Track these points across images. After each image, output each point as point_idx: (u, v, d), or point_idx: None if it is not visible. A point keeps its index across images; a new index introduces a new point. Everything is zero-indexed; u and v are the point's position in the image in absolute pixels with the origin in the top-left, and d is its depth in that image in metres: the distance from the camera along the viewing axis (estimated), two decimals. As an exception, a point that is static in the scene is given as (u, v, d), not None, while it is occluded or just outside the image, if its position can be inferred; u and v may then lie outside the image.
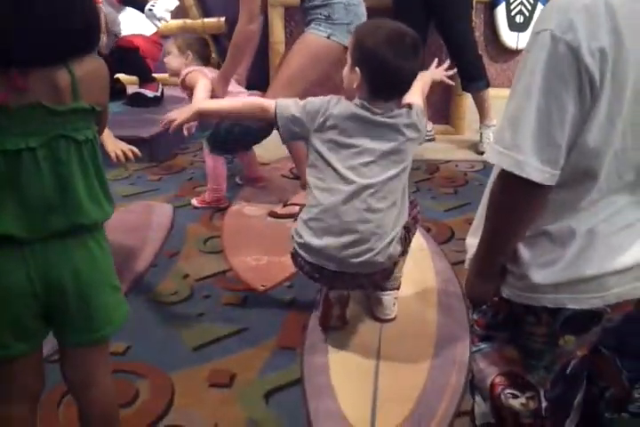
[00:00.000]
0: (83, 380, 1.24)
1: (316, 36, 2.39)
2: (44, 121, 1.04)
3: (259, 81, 3.06)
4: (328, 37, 2.37)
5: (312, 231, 1.68)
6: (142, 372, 1.71)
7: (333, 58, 2.39)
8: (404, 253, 1.85)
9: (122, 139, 1.96)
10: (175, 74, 2.74)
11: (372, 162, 1.64)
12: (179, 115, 1.83)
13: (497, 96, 3.28)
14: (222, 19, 4.27)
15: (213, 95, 2.54)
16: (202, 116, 1.91)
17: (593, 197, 0.99)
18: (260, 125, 2.31)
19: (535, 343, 1.09)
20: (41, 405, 1.27)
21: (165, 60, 2.81)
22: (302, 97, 1.73)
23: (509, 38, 4.26)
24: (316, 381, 1.69)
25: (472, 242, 1.12)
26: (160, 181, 3.15)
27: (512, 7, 4.21)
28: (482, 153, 3.22)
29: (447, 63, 2.16)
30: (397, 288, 1.96)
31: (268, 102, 1.73)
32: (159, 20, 3.95)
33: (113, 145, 1.90)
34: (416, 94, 1.80)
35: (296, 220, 1.77)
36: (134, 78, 4.05)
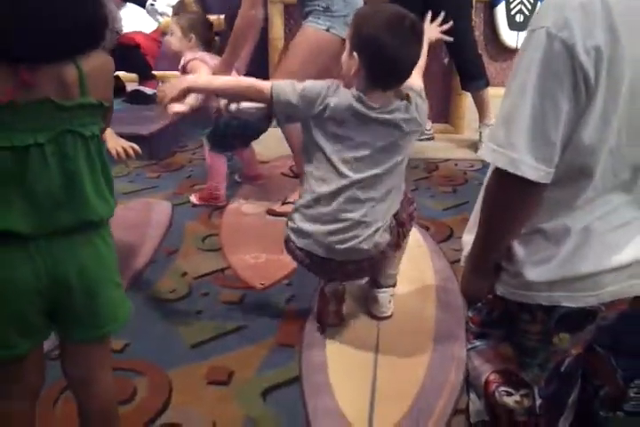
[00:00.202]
0: (84, 376, 1.24)
1: (314, 29, 2.38)
2: (51, 116, 1.04)
3: (258, 76, 3.05)
4: (327, 30, 2.35)
5: (303, 217, 1.69)
6: (140, 369, 1.71)
7: (333, 51, 2.37)
8: (398, 248, 1.85)
9: (121, 136, 1.96)
10: (175, 55, 2.71)
11: (367, 156, 1.63)
12: (170, 90, 1.73)
13: (496, 95, 3.24)
14: (222, 16, 4.27)
15: None
16: (193, 92, 1.79)
17: (588, 196, 0.99)
18: (259, 119, 2.29)
19: (530, 341, 1.09)
20: (38, 401, 1.27)
21: (166, 39, 2.77)
22: None
23: (509, 37, 4.26)
24: (314, 378, 1.69)
25: (468, 239, 1.12)
26: (159, 179, 3.15)
27: (512, 6, 4.22)
28: (481, 152, 3.21)
29: (441, 16, 2.11)
30: (393, 286, 1.96)
31: (264, 84, 1.67)
32: (161, 15, 3.95)
33: (114, 142, 1.90)
34: (414, 72, 1.70)
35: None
36: (133, 76, 4.06)
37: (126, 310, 1.23)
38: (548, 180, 0.94)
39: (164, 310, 2.03)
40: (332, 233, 1.66)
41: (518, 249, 1.03)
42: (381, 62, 1.56)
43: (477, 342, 1.18)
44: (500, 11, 4.21)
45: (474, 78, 3.37)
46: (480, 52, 3.47)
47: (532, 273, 1.02)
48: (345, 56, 1.62)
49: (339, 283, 1.89)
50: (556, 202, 1.00)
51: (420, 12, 3.15)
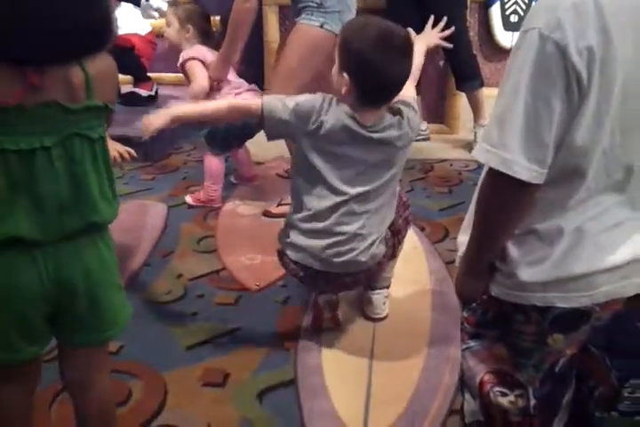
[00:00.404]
0: (83, 380, 1.23)
1: (308, 27, 2.37)
2: (58, 119, 1.03)
3: (255, 78, 3.05)
4: (321, 26, 2.34)
5: (298, 232, 1.68)
6: (135, 371, 1.71)
7: (328, 48, 2.37)
8: (393, 256, 1.85)
9: (116, 138, 1.95)
10: (173, 48, 2.71)
11: (361, 173, 1.62)
12: (155, 120, 1.66)
13: (491, 95, 3.23)
14: (217, 18, 4.27)
15: (212, 85, 2.57)
16: (178, 122, 1.75)
17: (581, 196, 0.99)
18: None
19: (524, 342, 1.09)
20: (34, 404, 1.27)
21: (164, 30, 2.75)
22: (302, 91, 1.70)
23: (504, 38, 4.27)
24: (309, 381, 1.69)
25: (463, 240, 1.12)
26: (154, 181, 3.15)
27: (506, 7, 4.23)
28: (476, 152, 3.22)
29: (444, 21, 2.08)
30: (387, 287, 1.96)
31: (253, 102, 1.66)
32: (156, 10, 3.94)
33: (110, 146, 1.89)
34: (407, 82, 1.66)
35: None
36: (128, 77, 4.04)
37: (127, 315, 1.23)
38: (541, 180, 0.94)
39: (160, 311, 2.03)
40: (328, 247, 1.65)
41: (512, 250, 1.03)
42: (372, 83, 1.55)
43: (472, 343, 1.17)
44: (495, 11, 4.22)
45: (468, 79, 3.37)
46: (475, 52, 3.48)
47: (526, 274, 1.02)
48: (335, 71, 1.59)
49: (332, 294, 1.88)
50: (549, 202, 1.00)
51: (414, 12, 3.21)
